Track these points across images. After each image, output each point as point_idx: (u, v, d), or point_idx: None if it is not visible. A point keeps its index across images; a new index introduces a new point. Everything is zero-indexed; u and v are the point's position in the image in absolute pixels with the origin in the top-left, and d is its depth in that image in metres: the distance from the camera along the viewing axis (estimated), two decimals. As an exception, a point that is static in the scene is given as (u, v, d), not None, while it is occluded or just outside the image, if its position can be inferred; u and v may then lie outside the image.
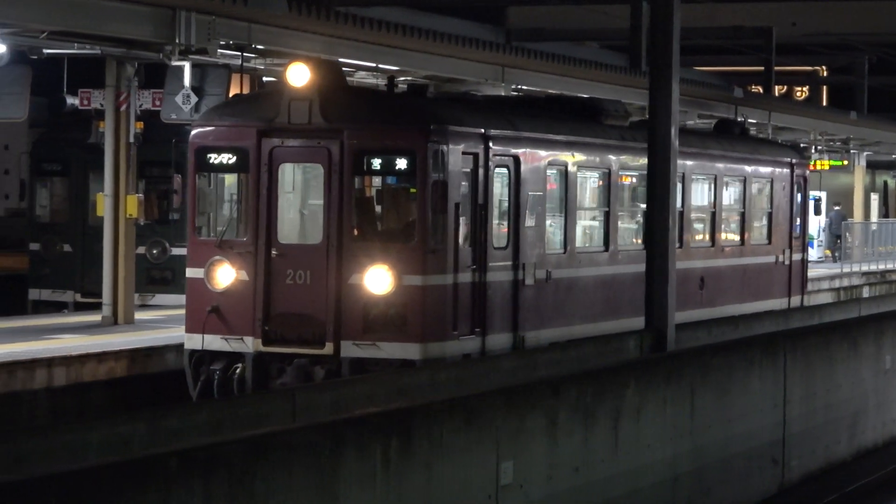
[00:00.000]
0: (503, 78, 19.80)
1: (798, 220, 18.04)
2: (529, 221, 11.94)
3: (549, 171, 12.71)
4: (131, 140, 16.57)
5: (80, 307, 19.75)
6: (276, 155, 10.68)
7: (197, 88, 15.64)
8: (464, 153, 10.87)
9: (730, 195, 16.61)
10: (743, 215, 16.62)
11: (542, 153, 12.36)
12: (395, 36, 17.46)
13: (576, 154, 12.95)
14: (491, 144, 11.32)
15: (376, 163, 10.54)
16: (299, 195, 11.15)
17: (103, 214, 16.79)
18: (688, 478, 10.46)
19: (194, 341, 10.88)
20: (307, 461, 6.19)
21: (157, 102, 16.91)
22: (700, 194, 16.13)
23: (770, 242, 17.34)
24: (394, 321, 10.22)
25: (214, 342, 10.80)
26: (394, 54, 17.83)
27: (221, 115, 11.60)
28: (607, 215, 13.72)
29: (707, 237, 16.22)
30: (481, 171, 11.20)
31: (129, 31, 14.10)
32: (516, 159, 11.82)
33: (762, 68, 34.60)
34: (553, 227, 12.98)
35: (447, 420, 6.93)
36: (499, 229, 11.82)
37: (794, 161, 17.95)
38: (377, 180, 10.85)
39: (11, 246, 24.27)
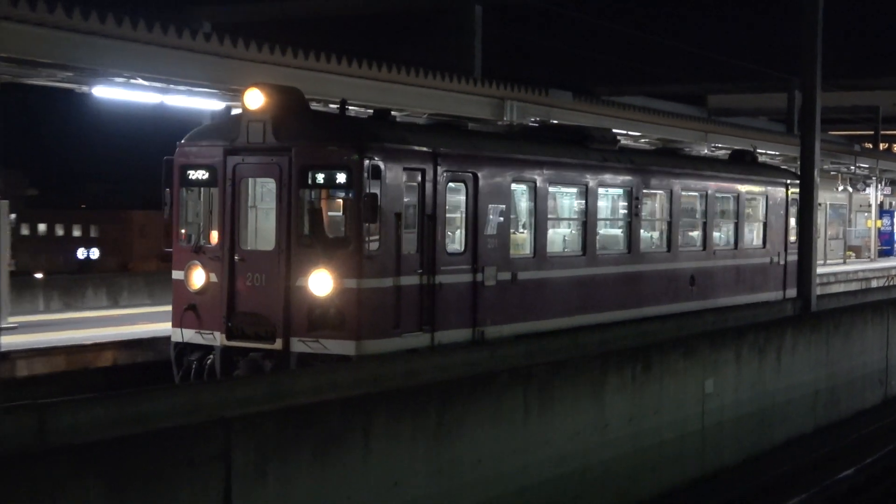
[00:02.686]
0: (706, 139, 28.41)
1: (793, 228, 19.04)
2: (490, 230, 12.10)
3: (516, 186, 12.95)
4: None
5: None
6: (238, 171, 11.06)
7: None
8: (406, 169, 11.00)
9: (726, 207, 17.84)
10: (736, 224, 17.58)
11: (507, 170, 12.59)
12: (636, 113, 25.58)
13: (547, 171, 13.19)
14: (441, 162, 11.44)
15: (319, 177, 10.69)
16: (257, 207, 11.34)
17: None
18: (824, 393, 14.96)
19: (177, 335, 11.42)
20: (584, 378, 9.72)
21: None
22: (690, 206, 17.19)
23: (764, 245, 18.22)
24: (333, 320, 10.34)
25: (191, 336, 11.26)
26: (636, 126, 25.28)
27: (199, 136, 11.92)
28: (584, 224, 13.96)
29: (700, 241, 17.01)
30: (429, 186, 11.28)
31: (477, 112, 20.24)
32: (475, 175, 11.99)
33: (872, 132, 46.58)
34: (522, 234, 13.30)
35: (672, 352, 10.55)
36: (455, 236, 12.06)
37: (788, 182, 18.99)
38: (321, 193, 11.01)
39: None
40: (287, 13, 27.60)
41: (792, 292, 17.64)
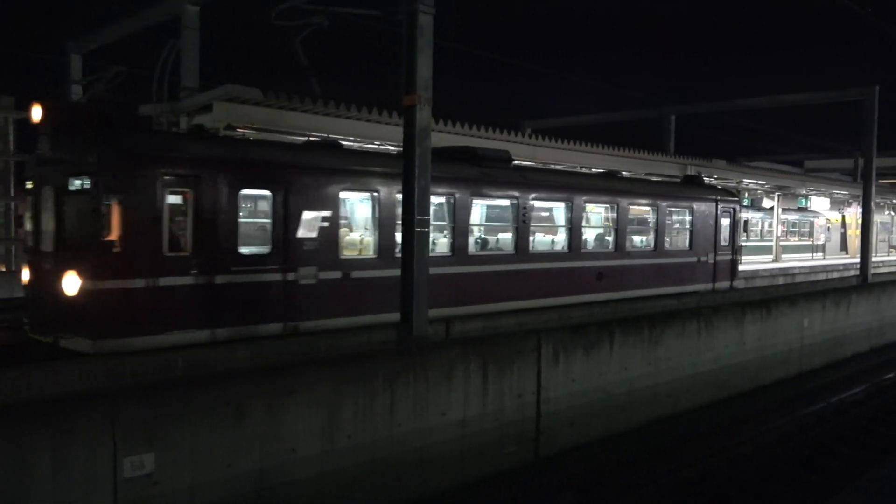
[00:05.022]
0: (804, 185, 38.38)
1: (725, 234, 20.08)
2: (306, 233, 11.57)
3: (348, 195, 12.46)
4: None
5: None
6: (40, 179, 10.84)
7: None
8: (170, 175, 10.24)
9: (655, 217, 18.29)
10: (656, 230, 18.09)
11: (333, 181, 12.01)
12: (756, 170, 34.79)
13: (392, 182, 12.46)
14: (224, 169, 10.72)
15: (74, 184, 10.17)
16: (50, 212, 10.71)
17: None
18: (875, 329, 19.88)
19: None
20: (731, 316, 14.07)
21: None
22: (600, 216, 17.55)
23: (691, 248, 19.06)
24: (80, 318, 9.74)
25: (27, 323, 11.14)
26: (761, 176, 34.11)
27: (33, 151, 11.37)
28: (453, 229, 13.80)
29: (611, 244, 17.25)
30: (210, 192, 10.55)
31: (671, 171, 26.76)
32: (284, 184, 11.39)
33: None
34: (358, 236, 12.90)
35: (782, 303, 15.38)
36: (258, 238, 11.48)
37: (718, 198, 19.97)
38: (78, 198, 10.21)
39: None
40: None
41: (722, 284, 19.77)
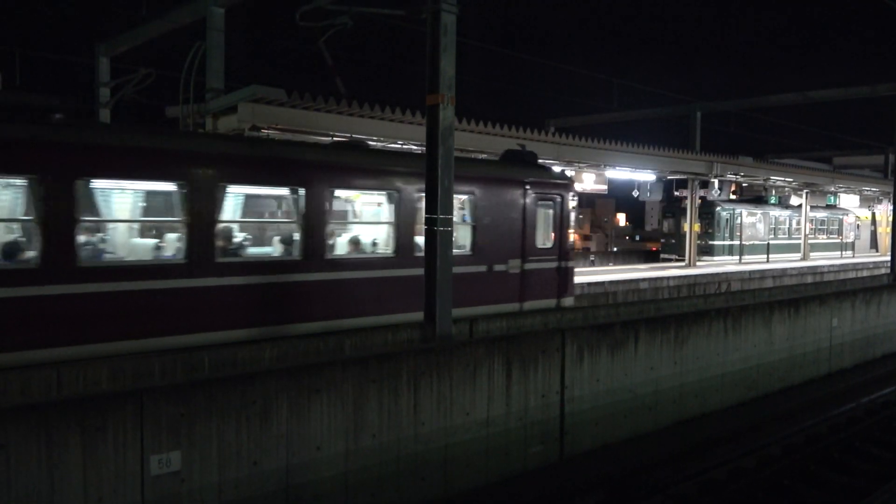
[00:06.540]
0: (833, 182, 38.67)
1: (542, 233, 15.13)
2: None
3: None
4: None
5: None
6: None
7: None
8: None
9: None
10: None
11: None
12: (783, 167, 35.83)
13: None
14: None
15: None
16: None
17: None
18: None
19: None
20: (759, 315, 14.03)
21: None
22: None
23: (474, 252, 13.75)
24: None
25: None
26: (788, 174, 35.21)
27: None
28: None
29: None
30: None
31: (697, 169, 28.70)
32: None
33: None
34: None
35: (811, 302, 15.20)
36: None
37: (528, 181, 14.60)
38: None
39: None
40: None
41: (538, 303, 14.65)
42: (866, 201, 45.83)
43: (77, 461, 6.21)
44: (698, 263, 33.00)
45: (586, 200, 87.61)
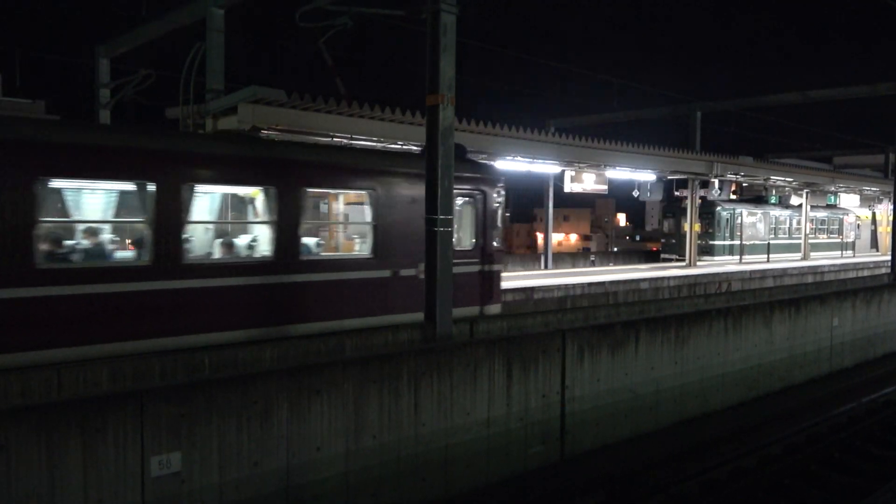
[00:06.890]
0: (834, 182, 38.73)
1: (464, 233, 14.06)
2: None
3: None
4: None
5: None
6: None
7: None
8: None
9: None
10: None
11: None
12: (781, 167, 35.62)
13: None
14: None
15: None
16: None
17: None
18: None
19: None
20: (760, 314, 14.05)
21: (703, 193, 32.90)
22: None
23: (377, 254, 12.32)
24: None
25: None
26: (787, 174, 35.28)
27: None
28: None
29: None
30: None
31: (698, 169, 29.26)
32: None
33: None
34: None
35: (812, 302, 15.18)
36: None
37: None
38: None
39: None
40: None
41: (460, 311, 12.02)
42: (866, 201, 45.83)
43: (77, 462, 6.19)
44: (699, 263, 32.98)
45: (586, 200, 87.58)
